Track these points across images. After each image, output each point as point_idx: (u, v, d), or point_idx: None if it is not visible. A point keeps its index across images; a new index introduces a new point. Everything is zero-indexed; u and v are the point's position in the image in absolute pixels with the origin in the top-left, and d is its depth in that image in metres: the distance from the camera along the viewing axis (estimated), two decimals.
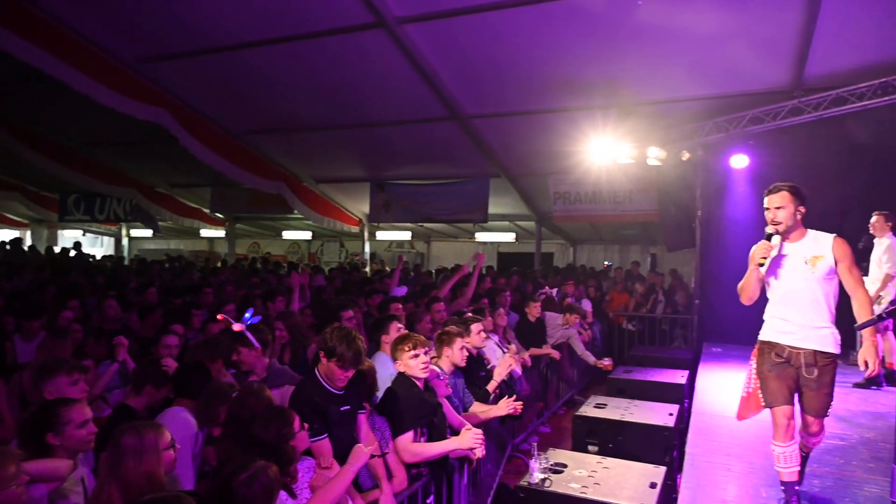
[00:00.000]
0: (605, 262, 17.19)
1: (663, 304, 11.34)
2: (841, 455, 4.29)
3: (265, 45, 8.11)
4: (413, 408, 3.60)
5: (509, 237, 17.28)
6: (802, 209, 3.43)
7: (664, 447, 4.97)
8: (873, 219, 6.38)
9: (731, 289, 7.98)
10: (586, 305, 10.42)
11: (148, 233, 19.28)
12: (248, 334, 4.33)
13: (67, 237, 19.89)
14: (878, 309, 6.02)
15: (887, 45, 6.91)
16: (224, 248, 19.05)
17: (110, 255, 17.83)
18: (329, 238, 20.91)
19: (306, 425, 2.92)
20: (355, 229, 16.01)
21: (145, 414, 3.37)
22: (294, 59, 8.46)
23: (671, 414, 5.36)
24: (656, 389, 6.47)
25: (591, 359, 8.05)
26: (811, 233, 3.47)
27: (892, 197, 6.86)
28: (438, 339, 4.61)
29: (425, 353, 3.75)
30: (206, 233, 18.76)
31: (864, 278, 6.19)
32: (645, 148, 8.70)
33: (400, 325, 4.58)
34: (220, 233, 18.43)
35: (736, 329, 8.29)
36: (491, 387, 4.95)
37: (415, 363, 3.71)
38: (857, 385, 6.18)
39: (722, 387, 6.26)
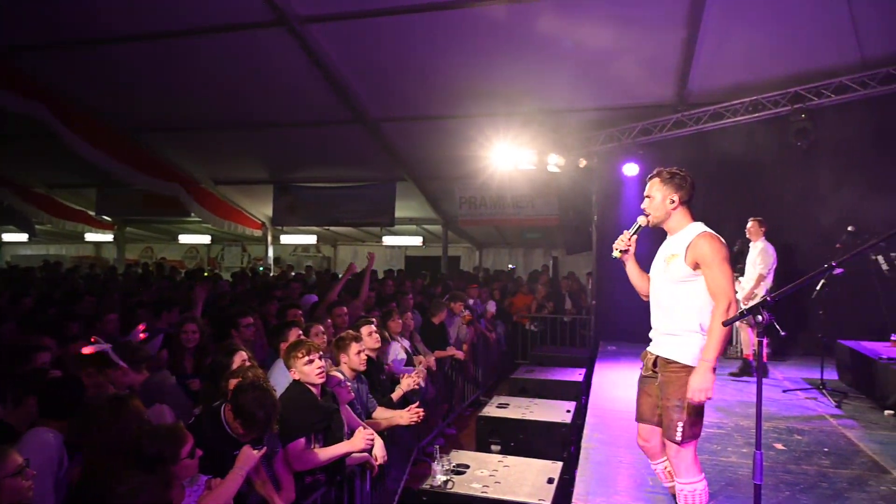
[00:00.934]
0: (510, 265, 17.65)
1: (570, 304, 11.76)
2: (717, 442, 4.65)
3: (158, 39, 7.68)
4: (304, 414, 3.46)
5: (416, 241, 17.37)
6: (676, 198, 2.99)
7: (562, 443, 5.16)
8: (749, 224, 6.95)
9: (624, 290, 8.42)
10: (490, 307, 10.67)
11: (23, 237, 17.62)
12: (113, 355, 4.01)
13: None
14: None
15: (758, 66, 7.60)
16: (112, 253, 17.78)
17: None
18: (230, 242, 20.08)
19: (199, 453, 2.77)
20: (258, 233, 15.48)
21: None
22: (189, 54, 8.05)
23: (569, 411, 5.59)
24: (556, 387, 6.72)
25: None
26: (691, 227, 3.01)
27: (761, 204, 7.53)
28: (336, 346, 4.54)
29: (321, 358, 3.62)
30: (91, 237, 17.43)
31: (741, 278, 6.82)
32: (545, 155, 9.05)
33: (300, 332, 4.46)
34: (108, 237, 17.21)
35: (629, 328, 8.83)
36: (396, 395, 4.93)
37: (310, 369, 3.55)
38: (731, 375, 6.76)
39: (615, 383, 6.60)
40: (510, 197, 11.89)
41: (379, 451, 4.07)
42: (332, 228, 16.36)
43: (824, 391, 5.87)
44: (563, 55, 7.64)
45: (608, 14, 6.92)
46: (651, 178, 3.11)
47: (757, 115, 7.90)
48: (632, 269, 3.29)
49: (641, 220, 3.14)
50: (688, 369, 2.87)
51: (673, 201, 3.01)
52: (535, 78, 8.16)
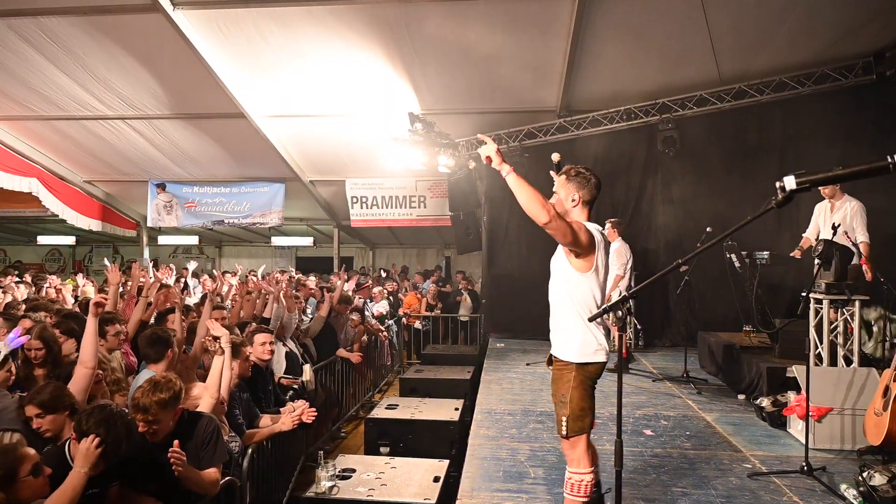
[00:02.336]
0: (402, 265, 17.67)
1: (469, 304, 11.91)
2: (594, 431, 4.90)
3: (9, 17, 6.91)
4: None
5: (307, 241, 16.90)
6: (577, 196, 3.09)
7: (450, 441, 5.22)
8: (606, 226, 7.44)
9: (512, 287, 8.74)
10: (382, 307, 10.61)
11: None
12: None
13: None
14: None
15: (631, 78, 8.13)
16: None
17: None
18: (99, 243, 18.47)
19: (46, 470, 2.50)
20: (132, 233, 14.35)
21: None
22: (43, 33, 7.31)
23: (456, 409, 5.67)
24: (445, 386, 6.79)
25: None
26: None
27: (629, 206, 8.10)
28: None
29: (146, 422, 3.02)
30: None
31: None
32: (435, 156, 9.11)
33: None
34: None
35: (516, 325, 9.16)
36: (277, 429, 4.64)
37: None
38: (608, 370, 7.17)
39: (501, 378, 6.80)
40: (402, 197, 11.89)
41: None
42: (215, 229, 15.52)
43: (688, 379, 6.38)
44: (456, 57, 7.75)
45: (496, 19, 7.09)
46: (559, 175, 3.19)
47: (630, 122, 8.46)
48: None
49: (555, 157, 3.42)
50: (570, 366, 2.98)
51: (574, 200, 3.10)
52: (425, 77, 8.21)
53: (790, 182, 1.90)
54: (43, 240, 17.25)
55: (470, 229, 10.26)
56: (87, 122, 9.85)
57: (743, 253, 6.17)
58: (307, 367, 6.29)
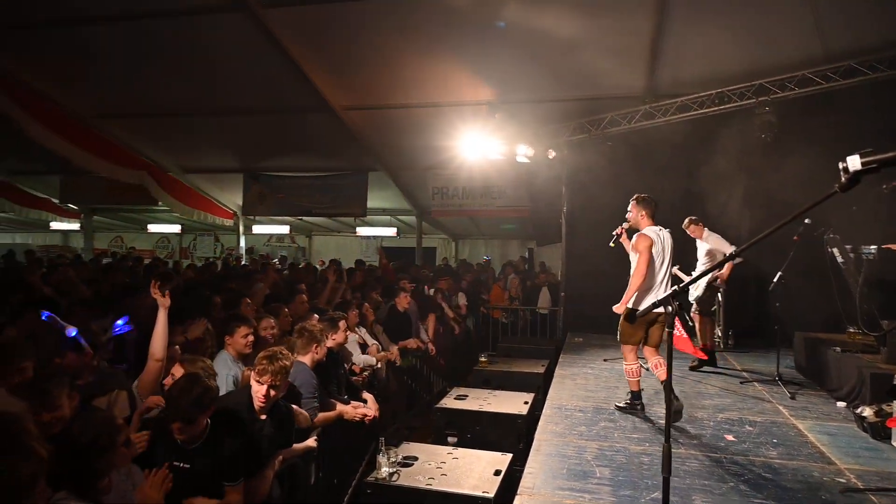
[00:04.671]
0: (485, 257, 17.62)
1: (548, 297, 11.70)
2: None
3: (114, 22, 7.45)
4: None
5: (391, 232, 17.24)
6: (645, 212, 5.06)
7: (517, 435, 5.13)
8: (689, 227, 7.02)
9: (593, 281, 8.48)
10: (461, 299, 10.63)
11: None
12: (81, 339, 3.95)
13: None
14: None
15: (723, 59, 7.60)
16: (80, 242, 17.40)
17: None
18: (202, 232, 19.77)
19: (133, 444, 2.67)
20: (229, 222, 15.24)
21: None
22: (148, 37, 7.82)
23: (526, 402, 5.56)
24: (517, 379, 6.69)
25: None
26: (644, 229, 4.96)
27: (726, 195, 7.59)
28: (311, 336, 4.47)
29: (272, 387, 3.42)
30: (57, 225, 17.02)
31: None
32: (514, 145, 8.98)
33: (248, 331, 4.35)
34: (75, 225, 16.81)
35: (597, 319, 8.85)
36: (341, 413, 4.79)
37: (254, 388, 3.44)
38: (691, 367, 6.81)
39: (576, 374, 6.60)
40: (481, 187, 11.83)
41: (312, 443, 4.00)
42: (305, 219, 16.17)
43: (780, 382, 5.91)
44: (533, 46, 7.57)
45: (576, 3, 6.85)
46: (632, 200, 5.17)
47: (723, 107, 7.90)
48: (626, 244, 5.22)
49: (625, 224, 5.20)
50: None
51: (643, 215, 5.09)
52: (505, 67, 8.07)
53: (854, 162, 1.65)
54: (153, 228, 18.74)
55: (550, 220, 10.05)
56: (183, 119, 10.50)
57: (847, 247, 5.62)
58: (379, 355, 6.44)
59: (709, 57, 7.61)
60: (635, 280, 4.89)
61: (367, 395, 5.08)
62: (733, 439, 4.53)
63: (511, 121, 8.91)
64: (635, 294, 4.92)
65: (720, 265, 3.61)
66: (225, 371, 3.99)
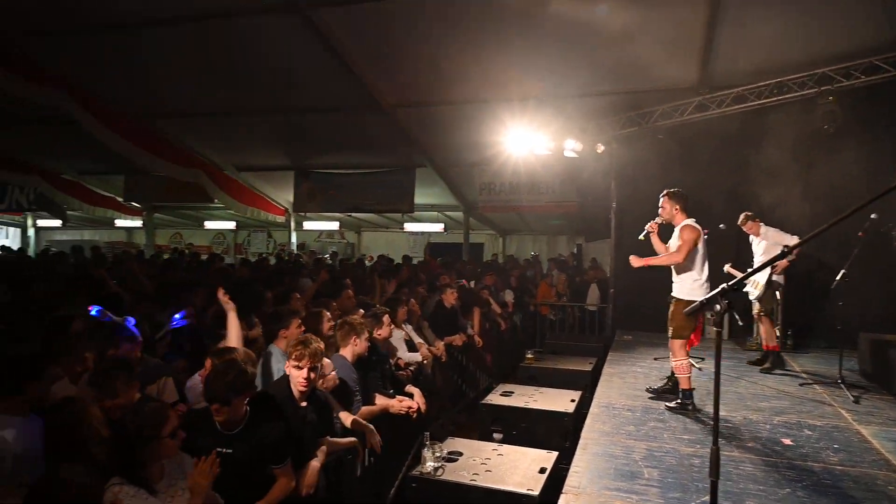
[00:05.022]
0: (532, 253, 17.49)
1: (597, 294, 11.51)
2: (720, 437, 4.51)
3: (173, 24, 7.72)
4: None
5: (438, 227, 17.32)
6: (679, 206, 5.14)
7: (563, 432, 5.08)
8: (746, 223, 6.81)
9: (641, 277, 8.31)
10: (508, 296, 10.57)
11: (57, 223, 18.16)
12: (135, 329, 4.15)
13: None
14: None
15: (782, 47, 7.28)
16: (142, 238, 18.19)
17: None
18: (256, 228, 20.33)
19: (181, 434, 2.77)
20: (281, 219, 15.62)
21: None
22: (203, 39, 8.09)
23: (573, 400, 5.49)
24: (564, 376, 6.62)
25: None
26: (683, 222, 5.07)
27: (783, 189, 7.28)
28: (350, 329, 4.55)
29: (311, 370, 3.52)
30: (121, 222, 17.85)
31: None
32: (562, 140, 8.87)
33: (301, 323, 4.46)
34: (137, 222, 17.58)
35: (647, 317, 8.67)
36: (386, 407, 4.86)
37: (295, 374, 3.52)
38: (763, 370, 6.55)
39: (625, 373, 6.48)
40: (529, 183, 11.74)
41: (372, 438, 4.08)
42: (354, 215, 16.43)
43: (842, 385, 5.63)
44: (580, 39, 7.44)
45: None
46: (662, 195, 5.24)
47: (782, 97, 7.58)
48: (655, 241, 5.35)
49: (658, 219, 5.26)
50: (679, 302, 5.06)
51: (678, 209, 5.17)
52: (549, 61, 7.97)
53: None
54: (209, 225, 19.42)
55: (599, 216, 9.88)
56: (240, 117, 10.80)
57: None
58: (424, 350, 6.48)
59: (766, 45, 7.30)
60: (671, 258, 5.00)
61: (413, 390, 5.13)
62: (791, 443, 4.35)
63: (558, 115, 8.80)
64: (683, 283, 5.07)
65: (776, 259, 3.36)
66: (277, 365, 4.10)
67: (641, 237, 5.39)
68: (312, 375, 3.54)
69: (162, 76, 9.23)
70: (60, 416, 2.68)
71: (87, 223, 19.88)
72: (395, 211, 13.96)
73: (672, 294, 5.25)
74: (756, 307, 6.75)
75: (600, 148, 8.97)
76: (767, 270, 6.40)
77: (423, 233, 18.77)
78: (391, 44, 7.97)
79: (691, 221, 5.10)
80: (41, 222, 18.88)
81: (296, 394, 3.54)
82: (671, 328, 5.10)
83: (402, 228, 18.15)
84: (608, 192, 9.48)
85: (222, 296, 3.90)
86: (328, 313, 5.09)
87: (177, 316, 5.13)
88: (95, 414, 2.75)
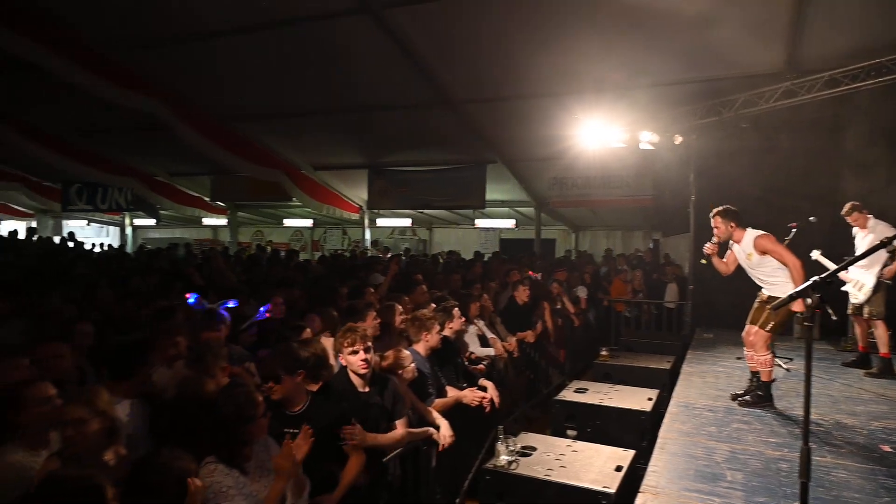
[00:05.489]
0: (607, 248, 17.09)
1: (676, 291, 11.13)
2: (812, 439, 4.27)
3: (252, 32, 8.09)
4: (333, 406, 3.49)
5: (509, 223, 17.24)
6: (734, 223, 4.98)
7: (640, 431, 4.96)
8: (852, 214, 6.26)
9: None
10: (581, 292, 10.40)
11: (151, 221, 19.43)
12: (226, 314, 4.43)
13: (73, 227, 20.08)
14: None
15: (878, 27, 6.77)
16: (227, 236, 19.16)
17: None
18: (331, 225, 20.95)
19: (269, 414, 2.93)
20: (356, 216, 16.03)
21: None
22: (282, 44, 8.42)
23: (650, 399, 5.35)
24: (640, 374, 6.46)
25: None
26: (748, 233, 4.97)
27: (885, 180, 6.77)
28: (422, 324, 4.64)
29: (367, 350, 3.63)
30: (208, 221, 18.87)
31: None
32: (637, 132, 8.63)
33: (376, 315, 4.60)
34: (223, 221, 18.53)
35: (728, 315, 8.29)
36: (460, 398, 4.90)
37: (353, 359, 3.62)
38: (868, 374, 6.11)
39: (705, 373, 6.24)
40: (602, 177, 11.48)
41: (445, 430, 4.13)
42: (425, 211, 16.63)
43: None
44: (656, 26, 7.21)
45: None
46: (713, 216, 5.10)
47: (880, 79, 7.03)
48: (717, 263, 5.25)
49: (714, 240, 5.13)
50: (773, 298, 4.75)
51: (732, 225, 5.00)
52: (624, 50, 7.76)
53: None
54: (288, 222, 20.21)
55: (676, 210, 9.55)
56: (315, 116, 11.16)
57: None
58: (498, 346, 6.48)
59: (861, 24, 6.82)
60: (795, 270, 4.69)
61: (486, 383, 5.15)
62: (891, 450, 4.06)
63: (633, 107, 8.56)
64: (777, 281, 4.85)
65: (873, 251, 2.91)
66: None
67: (703, 262, 5.39)
68: (369, 356, 3.65)
69: (244, 81, 9.68)
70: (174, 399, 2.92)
71: (178, 222, 21.13)
72: (466, 207, 14.02)
73: (766, 293, 5.02)
74: (865, 310, 6.23)
75: (678, 139, 8.65)
76: (874, 273, 5.94)
77: (494, 229, 18.74)
78: (461, 39, 8.01)
79: (759, 232, 4.95)
80: (137, 221, 20.25)
81: (357, 381, 3.66)
82: (770, 324, 4.87)
83: (473, 225, 18.20)
84: (686, 185, 9.14)
85: None
86: (400, 307, 5.20)
87: (262, 309, 5.40)
88: (207, 391, 2.98)
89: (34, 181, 15.95)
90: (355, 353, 3.60)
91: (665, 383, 6.26)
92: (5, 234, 16.10)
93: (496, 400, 4.89)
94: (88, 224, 21.11)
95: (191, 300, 4.34)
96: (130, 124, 11.34)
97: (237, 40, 8.30)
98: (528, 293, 7.66)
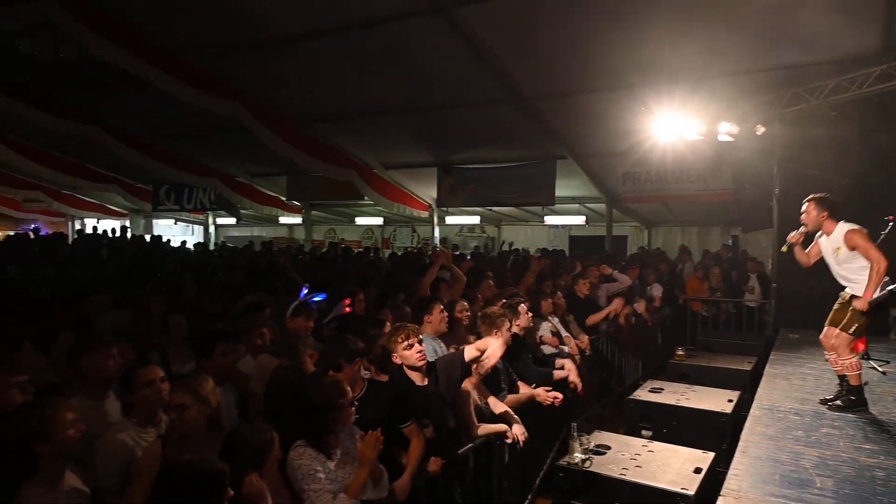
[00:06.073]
0: (681, 244, 16.50)
1: (756, 288, 10.64)
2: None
3: (326, 35, 8.36)
4: (396, 405, 3.54)
5: (579, 220, 16.96)
6: (826, 212, 4.68)
7: (720, 434, 4.79)
8: None
9: (811, 272, 7.62)
10: (656, 290, 10.11)
11: (232, 220, 20.39)
12: (314, 303, 4.65)
13: (161, 226, 21.39)
14: None
15: None
16: (301, 234, 19.84)
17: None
18: (401, 223, 21.29)
19: (357, 405, 3.04)
20: (425, 214, 16.22)
21: None
22: (355, 46, 8.66)
23: (730, 400, 5.17)
24: (719, 375, 6.24)
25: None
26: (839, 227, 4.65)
27: None
28: (492, 321, 4.67)
29: (420, 342, 3.69)
30: (284, 220, 19.59)
31: None
32: (715, 123, 8.29)
33: (443, 307, 4.66)
34: (298, 219, 19.20)
35: (815, 314, 7.85)
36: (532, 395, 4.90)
37: (410, 353, 3.66)
38: None
39: (791, 375, 5.93)
40: (677, 171, 11.08)
41: (518, 429, 4.14)
42: (494, 209, 16.61)
43: None
44: (735, 9, 6.91)
45: None
46: (806, 202, 4.81)
47: None
48: (799, 253, 5.02)
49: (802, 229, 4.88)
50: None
51: (823, 215, 4.70)
52: (701, 38, 7.47)
53: None
54: (359, 221, 20.70)
55: (758, 204, 9.11)
56: (385, 116, 11.38)
57: None
58: (571, 344, 6.42)
59: None
60: (879, 268, 4.44)
61: (565, 362, 5.05)
62: None
63: (711, 97, 8.23)
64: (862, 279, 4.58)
65: None
66: (431, 349, 4.32)
67: (784, 249, 5.12)
68: (423, 348, 3.72)
69: (317, 82, 10.01)
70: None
71: (256, 220, 22.06)
72: (535, 204, 13.90)
73: (849, 292, 4.73)
74: None
75: (760, 129, 8.24)
76: None
77: (563, 226, 18.48)
78: (530, 34, 7.95)
79: (852, 225, 4.63)
80: (219, 220, 21.32)
81: (415, 375, 3.69)
82: (854, 326, 4.59)
83: (543, 222, 18.01)
84: (769, 178, 8.69)
85: None
86: (464, 302, 5.24)
87: (341, 304, 5.59)
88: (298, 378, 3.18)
89: (128, 183, 17.11)
90: (411, 346, 3.65)
91: (746, 385, 6.02)
92: (100, 231, 17.47)
93: (578, 384, 4.78)
94: (175, 223, 22.40)
95: (302, 293, 4.60)
96: (214, 127, 11.95)
97: (312, 44, 8.60)
98: (589, 287, 7.55)
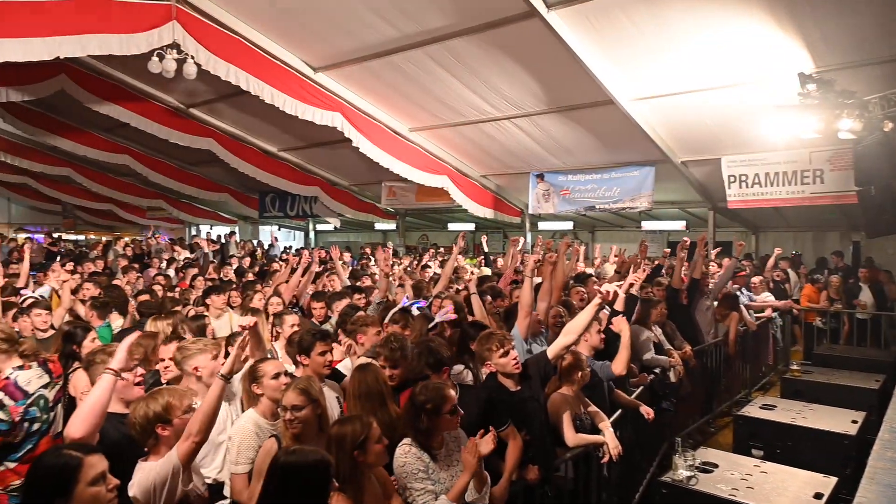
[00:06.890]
0: (793, 251, 15.38)
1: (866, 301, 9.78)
2: None
3: (424, 45, 8.58)
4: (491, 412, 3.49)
5: (679, 225, 16.22)
6: None
7: (843, 457, 4.42)
8: None
9: None
10: (767, 298, 9.51)
11: (330, 227, 21.27)
12: (416, 310, 4.79)
13: (265, 231, 22.70)
14: None
15: None
16: (395, 239, 20.35)
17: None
18: (492, 229, 21.31)
19: (460, 412, 3.08)
20: (517, 220, 16.14)
21: None
22: (450, 55, 8.81)
23: (855, 421, 4.75)
24: (840, 393, 5.74)
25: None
26: None
27: None
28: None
29: (512, 349, 3.65)
30: (379, 226, 20.18)
31: None
32: (835, 120, 7.66)
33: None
34: (392, 225, 19.71)
35: None
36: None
37: (506, 360, 3.61)
38: None
39: None
40: (791, 172, 10.33)
41: (611, 442, 4.00)
42: (588, 214, 16.23)
43: None
44: None
45: None
46: None
47: None
48: None
49: None
50: None
51: None
52: (815, 28, 6.97)
53: None
54: (452, 226, 20.93)
55: (885, 207, 8.31)
56: (482, 125, 11.45)
57: None
58: (676, 357, 6.15)
59: None
60: None
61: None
62: None
63: (831, 91, 7.61)
64: None
65: None
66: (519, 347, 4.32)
67: None
68: (516, 353, 3.67)
69: (418, 92, 10.29)
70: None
71: (352, 226, 22.89)
72: (632, 209, 13.44)
73: None
74: None
75: (888, 125, 7.52)
76: None
77: (661, 231, 17.75)
78: (627, 35, 7.73)
79: None
80: (319, 226, 22.31)
81: (508, 381, 3.65)
82: None
83: (639, 227, 17.40)
84: None
85: None
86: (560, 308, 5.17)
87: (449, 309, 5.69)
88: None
89: (238, 192, 18.32)
90: (507, 354, 3.62)
91: (873, 405, 5.50)
92: (214, 237, 18.84)
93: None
94: (279, 229, 23.68)
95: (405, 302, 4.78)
96: (316, 139, 12.60)
97: (414, 54, 8.88)
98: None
